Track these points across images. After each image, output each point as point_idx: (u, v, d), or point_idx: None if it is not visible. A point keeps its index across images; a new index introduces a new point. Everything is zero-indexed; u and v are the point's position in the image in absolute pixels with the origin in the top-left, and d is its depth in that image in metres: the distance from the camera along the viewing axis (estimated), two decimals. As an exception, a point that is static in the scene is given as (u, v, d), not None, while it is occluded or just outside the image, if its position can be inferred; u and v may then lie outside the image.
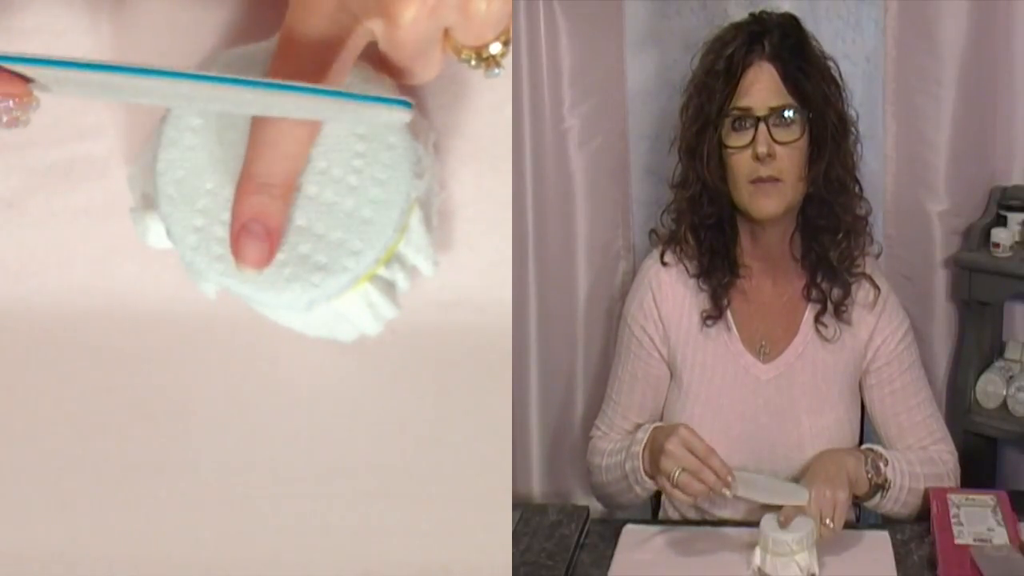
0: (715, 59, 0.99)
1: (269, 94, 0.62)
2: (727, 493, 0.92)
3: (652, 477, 0.99)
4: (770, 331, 1.06)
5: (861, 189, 1.05)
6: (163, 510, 0.80)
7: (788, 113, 0.98)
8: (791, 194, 1.00)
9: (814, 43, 1.02)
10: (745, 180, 0.99)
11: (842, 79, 1.03)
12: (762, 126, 0.97)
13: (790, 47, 0.98)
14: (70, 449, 0.81)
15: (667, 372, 1.08)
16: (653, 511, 1.16)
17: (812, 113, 0.98)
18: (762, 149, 0.97)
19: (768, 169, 0.97)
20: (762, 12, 1.02)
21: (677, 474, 0.93)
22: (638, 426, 1.07)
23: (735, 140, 0.99)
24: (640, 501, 1.06)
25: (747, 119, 0.98)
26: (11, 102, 0.60)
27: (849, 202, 1.03)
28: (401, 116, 0.65)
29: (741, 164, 0.98)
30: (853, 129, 1.03)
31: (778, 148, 0.97)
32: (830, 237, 1.03)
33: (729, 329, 1.06)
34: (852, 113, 1.04)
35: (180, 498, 0.80)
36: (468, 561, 0.79)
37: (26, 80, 0.59)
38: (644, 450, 1.00)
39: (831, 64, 1.02)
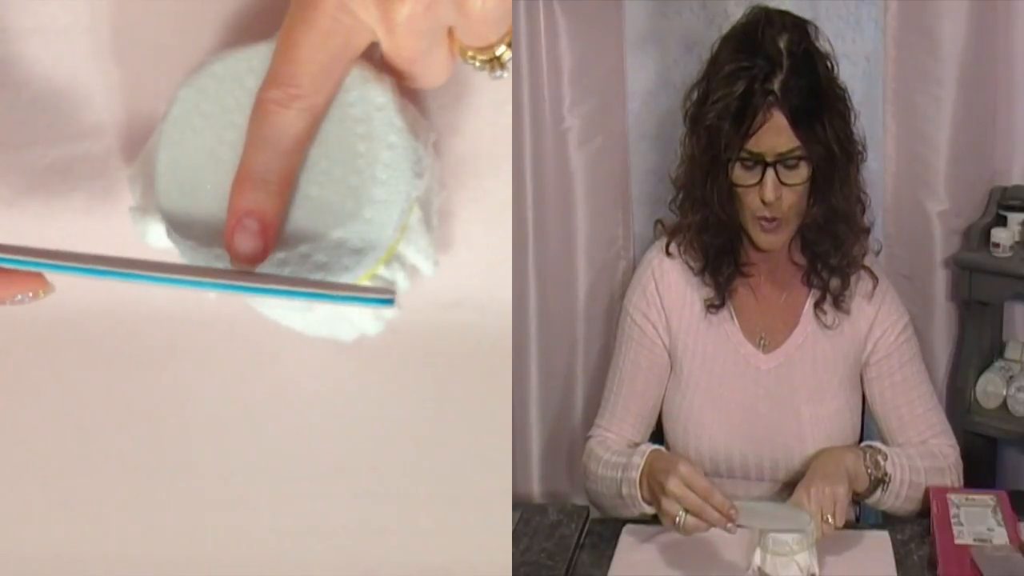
0: (725, 96, 0.97)
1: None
2: (730, 528, 0.90)
3: (650, 503, 0.98)
4: (770, 322, 1.07)
5: (863, 207, 1.06)
6: (163, 510, 0.80)
7: (796, 158, 0.97)
8: (794, 229, 1.02)
9: (824, 65, 0.99)
10: (751, 215, 1.00)
11: (851, 105, 1.01)
12: (770, 171, 0.97)
13: (801, 89, 0.96)
14: (70, 449, 0.81)
15: (668, 361, 1.09)
16: (653, 511, 1.15)
17: (819, 153, 0.98)
18: (770, 196, 0.97)
19: (773, 210, 0.99)
20: (767, 26, 0.98)
21: (683, 519, 0.91)
22: (636, 444, 1.06)
23: (743, 178, 0.99)
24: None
25: (756, 162, 0.98)
26: (30, 294, 0.67)
27: (852, 222, 1.04)
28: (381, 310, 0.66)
29: (748, 200, 0.99)
30: (860, 149, 1.03)
31: (784, 189, 0.98)
32: (831, 248, 1.04)
33: (731, 319, 1.07)
34: (858, 133, 1.02)
35: (180, 498, 0.80)
36: (468, 561, 0.79)
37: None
38: (642, 477, 0.99)
39: (840, 91, 1.00)
